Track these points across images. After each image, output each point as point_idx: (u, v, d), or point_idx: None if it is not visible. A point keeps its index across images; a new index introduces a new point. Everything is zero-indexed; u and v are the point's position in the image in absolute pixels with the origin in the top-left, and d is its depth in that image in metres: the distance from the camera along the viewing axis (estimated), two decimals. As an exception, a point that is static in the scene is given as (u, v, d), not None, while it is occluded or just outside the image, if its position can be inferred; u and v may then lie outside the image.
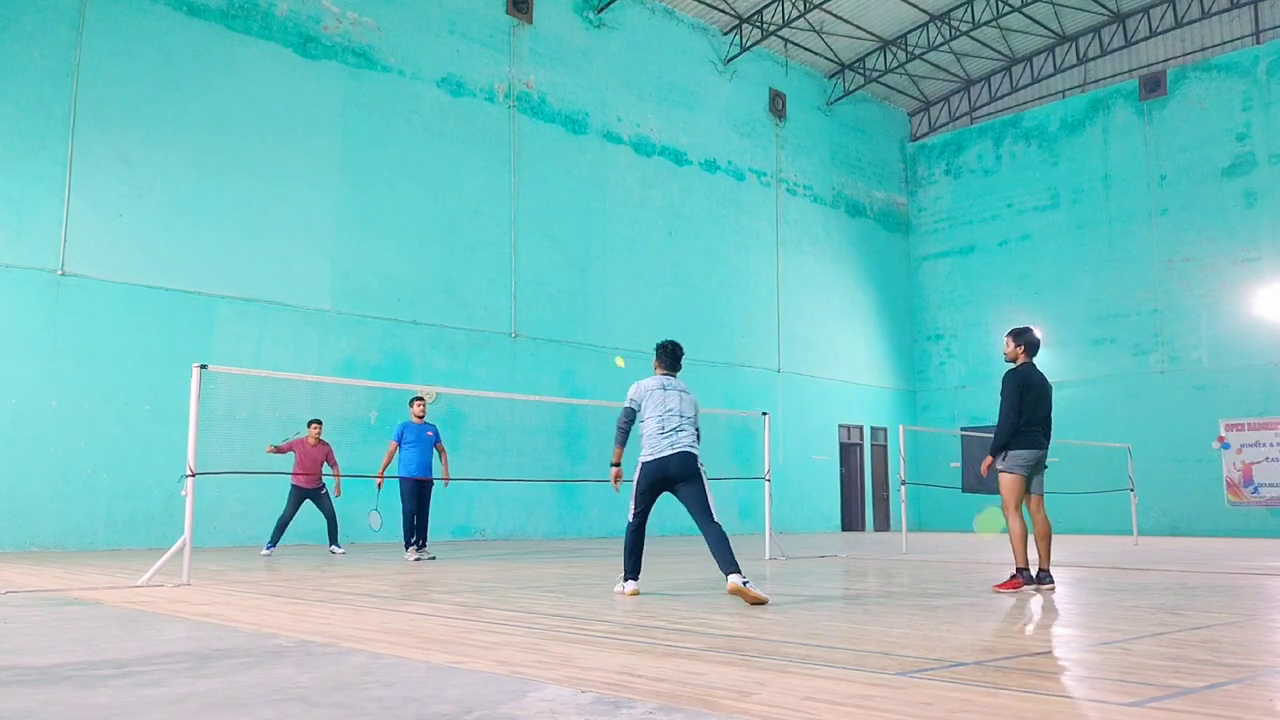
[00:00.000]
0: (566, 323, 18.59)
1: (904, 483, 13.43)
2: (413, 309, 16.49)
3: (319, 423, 11.96)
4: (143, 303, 13.72)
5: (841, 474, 23.74)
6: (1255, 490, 20.17)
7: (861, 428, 24.40)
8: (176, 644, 4.28)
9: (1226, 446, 20.51)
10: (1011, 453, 7.08)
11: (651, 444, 6.60)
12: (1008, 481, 7.11)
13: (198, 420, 7.61)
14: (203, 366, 7.73)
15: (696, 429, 6.69)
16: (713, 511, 6.45)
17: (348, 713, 2.83)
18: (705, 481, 6.52)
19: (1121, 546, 14.82)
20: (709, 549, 6.34)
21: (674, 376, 6.92)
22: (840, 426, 23.84)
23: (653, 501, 6.68)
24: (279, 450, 11.57)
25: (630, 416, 6.75)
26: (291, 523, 11.74)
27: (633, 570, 6.68)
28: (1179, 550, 13.75)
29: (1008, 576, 7.09)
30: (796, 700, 3.05)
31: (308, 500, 11.79)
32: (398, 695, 3.09)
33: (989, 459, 7.22)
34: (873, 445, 24.67)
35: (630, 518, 6.70)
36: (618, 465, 6.85)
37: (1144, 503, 18.59)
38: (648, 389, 6.76)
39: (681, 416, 6.64)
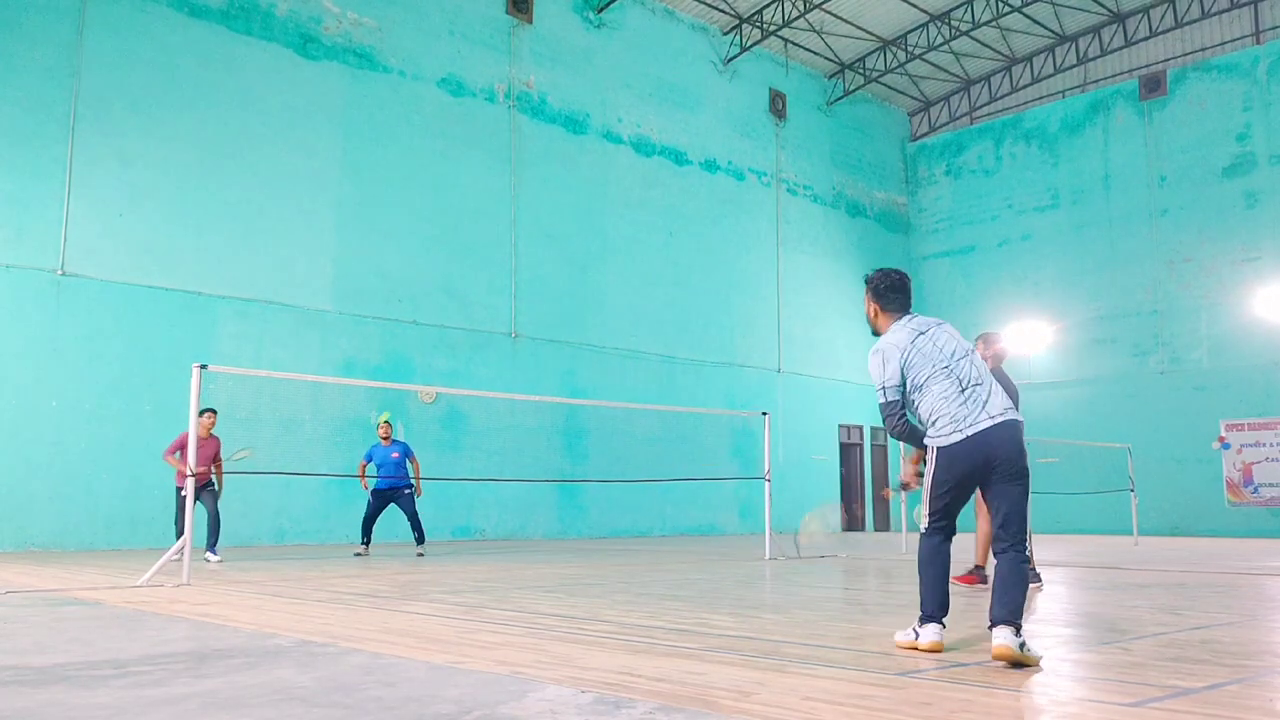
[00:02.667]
0: (566, 323, 18.58)
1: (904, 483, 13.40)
2: (413, 309, 16.49)
3: (213, 412, 10.53)
4: (143, 303, 13.72)
5: (841, 474, 23.73)
6: (1255, 490, 20.17)
7: (861, 428, 24.38)
8: (176, 644, 4.28)
9: (1226, 447, 20.50)
10: None
11: (951, 415, 4.14)
12: None
13: (198, 420, 7.62)
14: (203, 366, 7.73)
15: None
16: (1027, 527, 4.15)
17: (348, 713, 2.83)
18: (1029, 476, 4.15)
19: (1121, 546, 14.81)
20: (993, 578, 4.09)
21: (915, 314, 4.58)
22: (840, 426, 23.82)
23: (963, 503, 4.27)
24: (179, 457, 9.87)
25: (901, 407, 4.36)
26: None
27: (937, 606, 4.13)
28: (1179, 550, 13.75)
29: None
30: (796, 700, 3.05)
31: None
32: (398, 695, 3.09)
33: None
34: (873, 445, 24.66)
35: (923, 528, 4.28)
36: (915, 472, 4.58)
37: (1144, 503, 18.57)
38: (901, 347, 4.40)
39: (975, 365, 4.29)
